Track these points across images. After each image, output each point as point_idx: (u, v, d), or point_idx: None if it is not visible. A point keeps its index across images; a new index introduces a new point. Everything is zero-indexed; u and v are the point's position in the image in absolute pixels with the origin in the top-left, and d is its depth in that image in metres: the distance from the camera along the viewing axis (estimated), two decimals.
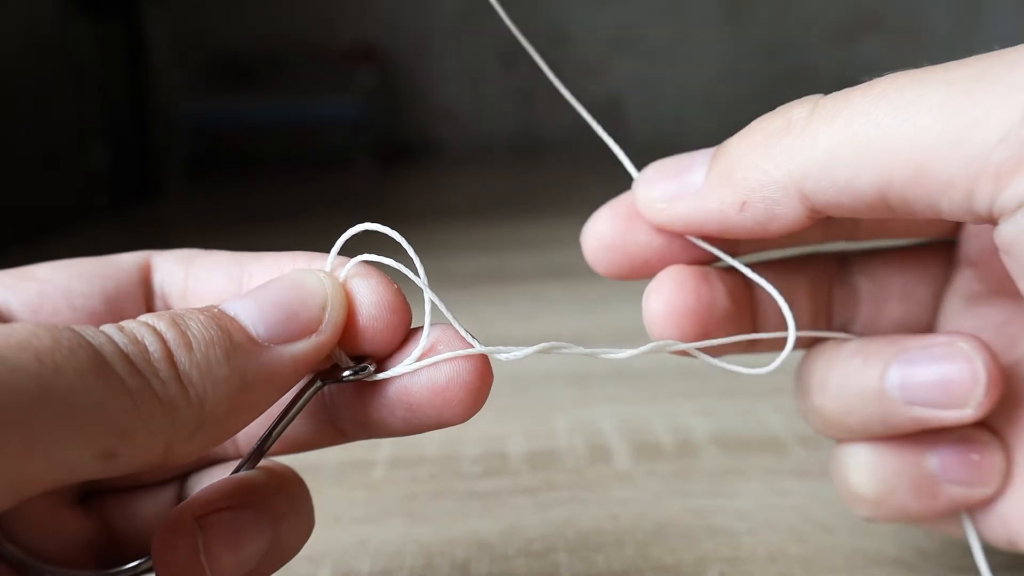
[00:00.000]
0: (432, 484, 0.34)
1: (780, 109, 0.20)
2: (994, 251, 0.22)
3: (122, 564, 0.21)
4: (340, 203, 0.95)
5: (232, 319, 0.18)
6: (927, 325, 0.25)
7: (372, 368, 0.19)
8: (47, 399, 0.14)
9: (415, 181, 1.15)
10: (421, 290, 0.20)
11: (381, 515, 0.32)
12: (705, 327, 0.22)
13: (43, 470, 0.14)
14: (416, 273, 0.19)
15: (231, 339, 0.17)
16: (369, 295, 0.19)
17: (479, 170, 1.20)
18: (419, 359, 0.19)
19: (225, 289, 0.21)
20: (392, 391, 0.19)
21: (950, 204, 0.18)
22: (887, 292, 0.25)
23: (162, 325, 0.17)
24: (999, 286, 0.23)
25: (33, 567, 0.20)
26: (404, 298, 0.20)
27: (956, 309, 0.24)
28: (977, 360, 0.21)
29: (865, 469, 0.23)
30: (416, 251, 0.20)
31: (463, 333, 0.19)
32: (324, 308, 0.18)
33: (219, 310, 0.18)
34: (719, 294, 0.22)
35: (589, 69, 1.32)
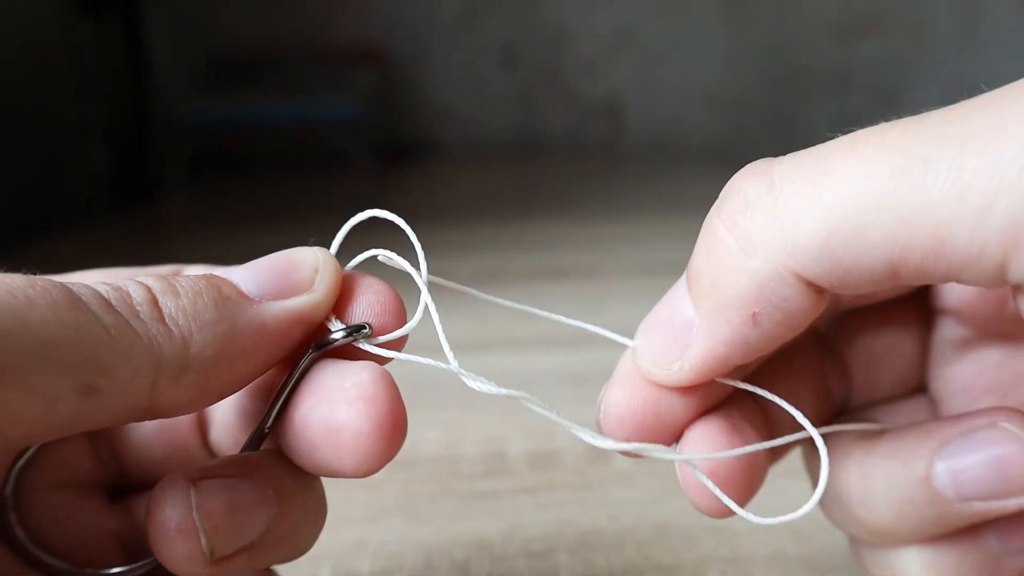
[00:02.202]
0: (432, 484, 0.34)
1: (725, 192, 0.18)
2: (976, 295, 0.21)
3: (146, 557, 0.21)
4: (340, 203, 0.95)
5: (222, 277, 0.18)
6: (921, 380, 0.23)
7: (369, 330, 0.19)
8: (20, 329, 0.14)
9: (415, 181, 1.15)
10: (421, 287, 0.20)
11: (381, 515, 0.32)
12: (748, 486, 0.20)
13: (23, 402, 0.14)
14: (419, 272, 0.20)
15: (220, 291, 0.17)
16: (367, 289, 0.19)
17: (479, 170, 1.20)
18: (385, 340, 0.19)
19: None
20: (295, 421, 0.18)
21: (975, 274, 0.16)
22: (874, 356, 0.23)
23: (150, 280, 0.17)
24: (986, 328, 0.22)
25: (50, 564, 0.20)
26: (400, 300, 0.20)
27: (948, 358, 0.23)
28: None
29: (924, 570, 0.20)
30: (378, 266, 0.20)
31: (446, 348, 0.19)
32: (316, 270, 0.19)
33: (210, 273, 0.18)
34: (751, 439, 0.20)
35: (589, 69, 1.32)
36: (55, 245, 0.75)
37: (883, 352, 0.23)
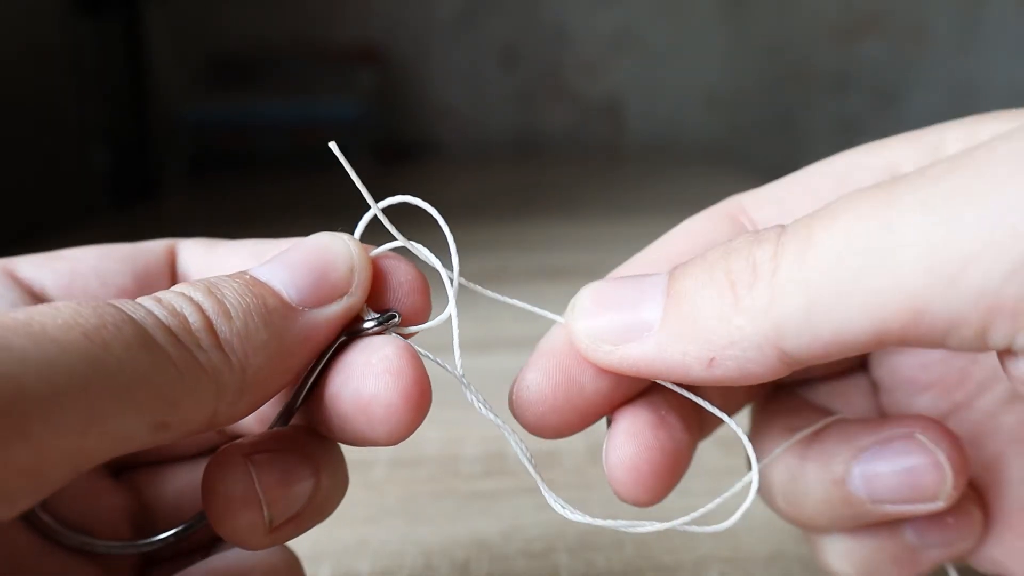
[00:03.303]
0: (432, 484, 0.34)
1: (741, 244, 0.18)
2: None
3: (156, 535, 0.21)
4: (340, 203, 0.95)
5: (264, 284, 0.18)
6: (862, 361, 0.24)
7: (398, 319, 0.19)
8: (99, 376, 0.14)
9: (415, 181, 1.15)
10: (448, 290, 0.20)
11: (381, 515, 0.32)
12: (673, 477, 0.20)
13: (100, 444, 0.14)
14: (449, 270, 0.20)
15: (266, 305, 0.17)
16: (394, 271, 0.20)
17: (479, 170, 1.20)
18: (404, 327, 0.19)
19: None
20: (326, 397, 0.19)
21: (959, 341, 0.16)
22: (835, 405, 0.24)
23: (198, 295, 0.17)
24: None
25: (69, 538, 0.20)
26: (425, 279, 0.20)
27: (893, 349, 0.23)
28: (939, 452, 0.20)
29: (844, 557, 0.22)
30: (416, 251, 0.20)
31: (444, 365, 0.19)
32: (352, 270, 0.19)
33: (251, 276, 0.18)
34: (678, 431, 0.20)
35: (589, 69, 1.32)
36: (55, 245, 0.75)
37: (840, 402, 0.24)
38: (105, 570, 0.21)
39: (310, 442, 0.20)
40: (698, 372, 0.18)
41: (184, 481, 0.23)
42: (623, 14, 1.31)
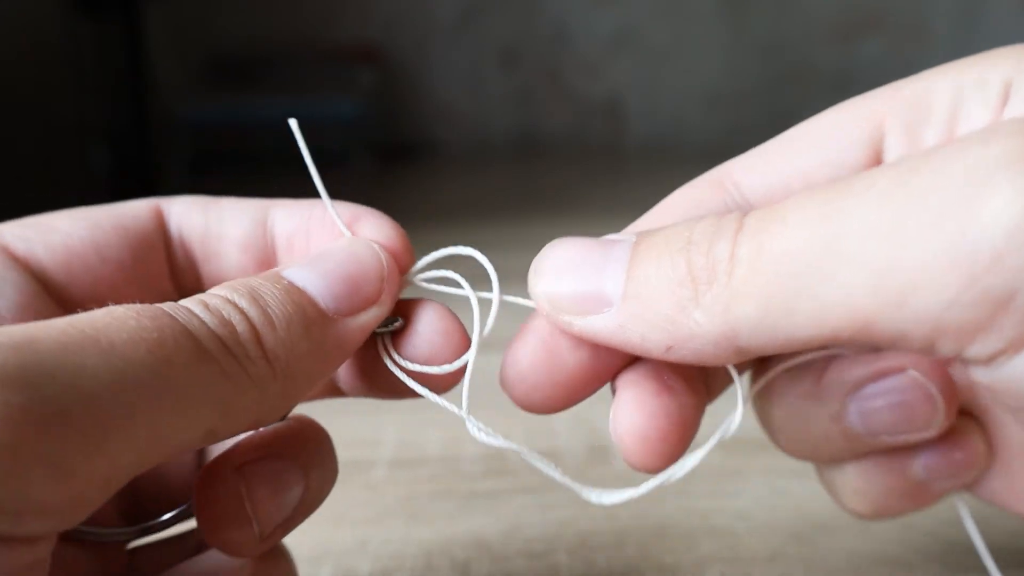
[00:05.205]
0: (432, 484, 0.34)
1: (702, 236, 0.18)
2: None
3: (146, 520, 0.21)
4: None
5: (303, 292, 0.18)
6: None
7: (401, 323, 0.20)
8: (162, 390, 0.15)
9: (415, 181, 1.15)
10: (474, 336, 0.20)
11: (381, 515, 0.32)
12: (683, 441, 0.20)
13: (162, 452, 0.15)
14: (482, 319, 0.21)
15: (306, 315, 0.18)
16: (431, 324, 0.20)
17: (479, 170, 1.20)
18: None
19: (251, 233, 0.22)
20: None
21: (910, 348, 0.16)
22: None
23: (244, 303, 0.17)
24: None
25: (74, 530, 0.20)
26: (463, 329, 0.21)
27: None
28: (931, 385, 0.20)
29: (853, 491, 0.22)
30: (416, 251, 0.20)
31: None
32: (382, 280, 0.20)
33: (289, 283, 0.18)
34: (683, 396, 0.20)
35: (589, 69, 1.32)
36: None
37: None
38: (98, 559, 0.21)
39: (301, 439, 0.20)
40: (657, 355, 0.18)
41: (174, 467, 0.23)
42: (623, 14, 1.31)
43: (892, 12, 1.31)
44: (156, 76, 1.15)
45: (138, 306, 0.16)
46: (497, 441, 0.19)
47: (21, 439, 0.13)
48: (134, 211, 0.22)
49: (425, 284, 0.21)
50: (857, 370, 0.21)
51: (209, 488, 0.19)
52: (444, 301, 0.21)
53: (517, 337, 0.20)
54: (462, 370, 0.20)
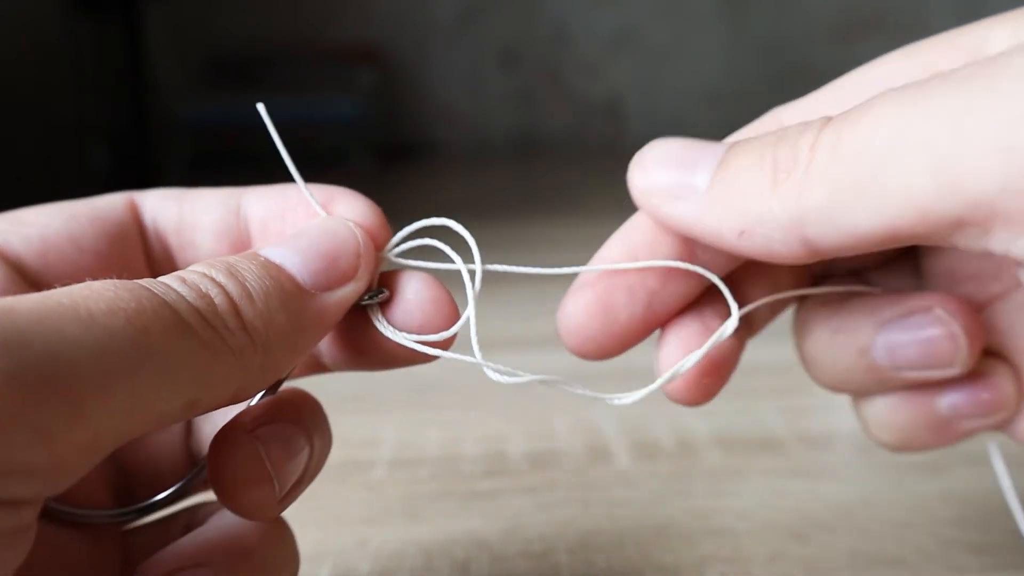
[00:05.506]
0: (432, 484, 0.34)
1: (791, 133, 0.19)
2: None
3: (136, 502, 0.22)
4: None
5: (280, 267, 0.19)
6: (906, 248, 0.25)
7: (387, 294, 0.21)
8: (142, 359, 0.15)
9: (415, 181, 1.15)
10: (468, 296, 0.21)
11: (381, 515, 0.32)
12: (721, 379, 0.22)
13: (142, 421, 0.15)
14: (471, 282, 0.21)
15: (284, 288, 0.18)
16: (418, 291, 0.21)
17: (479, 170, 1.20)
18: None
19: (224, 220, 0.22)
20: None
21: (964, 243, 0.17)
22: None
23: (221, 277, 0.17)
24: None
25: (52, 510, 0.20)
26: (450, 296, 0.21)
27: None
28: (955, 324, 0.21)
29: (881, 424, 0.23)
30: (415, 251, 0.20)
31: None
32: (359, 256, 0.20)
33: (265, 258, 0.19)
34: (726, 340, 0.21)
35: (589, 69, 1.32)
36: None
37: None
38: (91, 541, 0.21)
39: (300, 408, 0.20)
40: (729, 240, 0.19)
41: (162, 447, 0.23)
42: (623, 14, 1.31)
43: (892, 12, 1.31)
44: (156, 76, 1.15)
45: (116, 280, 0.16)
46: (522, 378, 0.20)
47: (2, 403, 0.13)
48: (109, 203, 0.22)
49: (403, 260, 0.21)
50: (886, 307, 0.22)
51: (226, 451, 0.19)
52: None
53: (571, 291, 0.22)
54: (454, 337, 0.21)
